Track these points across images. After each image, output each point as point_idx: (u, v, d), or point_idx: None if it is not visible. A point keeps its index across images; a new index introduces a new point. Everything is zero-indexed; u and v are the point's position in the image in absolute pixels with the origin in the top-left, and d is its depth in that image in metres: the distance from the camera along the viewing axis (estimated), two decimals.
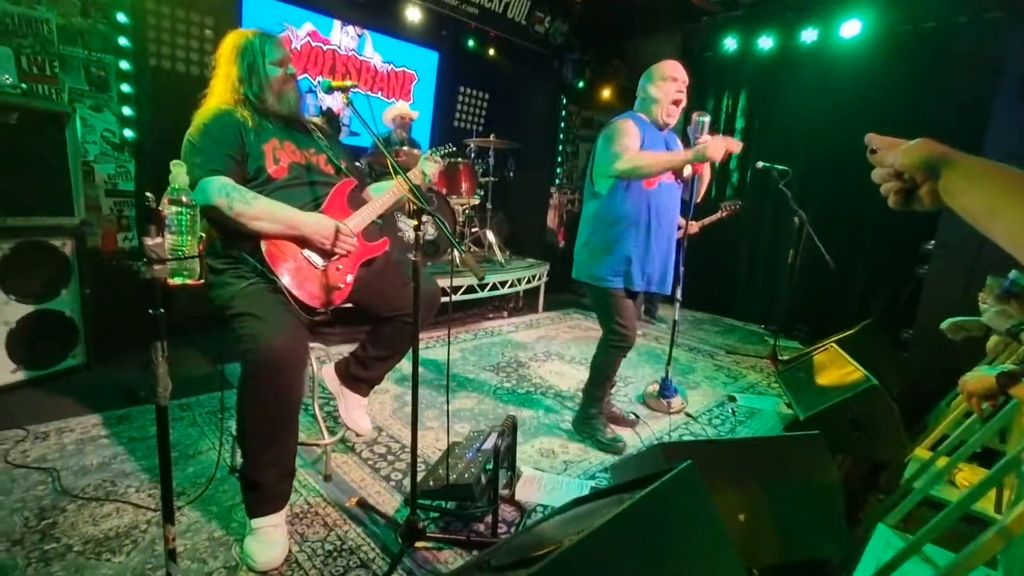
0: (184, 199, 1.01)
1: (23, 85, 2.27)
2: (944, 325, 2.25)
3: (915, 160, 0.62)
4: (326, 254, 1.63)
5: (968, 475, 2.17)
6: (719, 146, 2.02)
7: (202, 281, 1.04)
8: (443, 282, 3.52)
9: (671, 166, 2.10)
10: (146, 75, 3.05)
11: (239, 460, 1.86)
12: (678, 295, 2.65)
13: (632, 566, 0.94)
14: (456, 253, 1.37)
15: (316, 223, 1.58)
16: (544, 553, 0.92)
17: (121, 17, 2.86)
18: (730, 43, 4.74)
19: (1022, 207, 0.52)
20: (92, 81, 2.82)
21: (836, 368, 2.74)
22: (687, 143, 2.23)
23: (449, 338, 1.80)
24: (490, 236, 4.25)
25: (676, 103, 2.17)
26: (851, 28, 4.03)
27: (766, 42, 4.54)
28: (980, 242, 3.46)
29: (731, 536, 1.38)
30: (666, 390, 2.79)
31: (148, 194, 0.96)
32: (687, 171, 2.27)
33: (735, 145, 2.08)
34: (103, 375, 2.52)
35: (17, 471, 1.75)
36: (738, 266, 4.97)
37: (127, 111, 2.93)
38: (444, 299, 3.60)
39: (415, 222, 1.32)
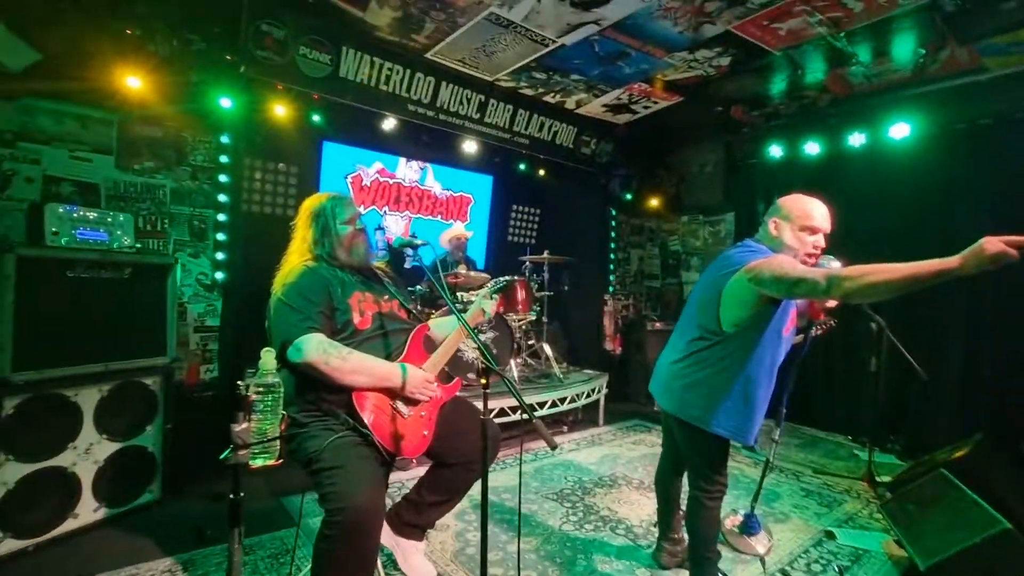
0: (271, 380, 1.07)
1: (138, 244, 2.60)
2: None
3: None
4: (412, 402, 1.67)
5: None
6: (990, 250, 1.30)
7: (280, 462, 1.06)
8: (503, 402, 3.50)
9: (913, 282, 1.38)
10: (239, 221, 3.45)
11: None
12: (776, 435, 2.46)
13: None
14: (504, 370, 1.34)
15: (404, 373, 1.63)
16: None
17: (223, 177, 3.31)
18: (775, 150, 4.83)
19: None
20: (193, 233, 3.21)
21: (953, 501, 2.39)
22: None
23: (520, 493, 1.73)
24: (547, 349, 4.23)
25: (811, 256, 1.86)
26: (900, 131, 4.03)
27: (813, 147, 4.60)
28: None
29: None
30: (751, 527, 2.51)
31: (240, 382, 1.02)
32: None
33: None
34: (174, 510, 2.57)
35: None
36: (812, 372, 4.64)
37: (220, 256, 3.28)
38: (501, 419, 3.53)
39: (484, 380, 1.33)
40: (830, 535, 2.66)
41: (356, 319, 1.70)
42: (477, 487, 1.47)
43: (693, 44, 3.58)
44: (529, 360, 4.35)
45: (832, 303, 1.95)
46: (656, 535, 2.43)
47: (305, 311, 1.59)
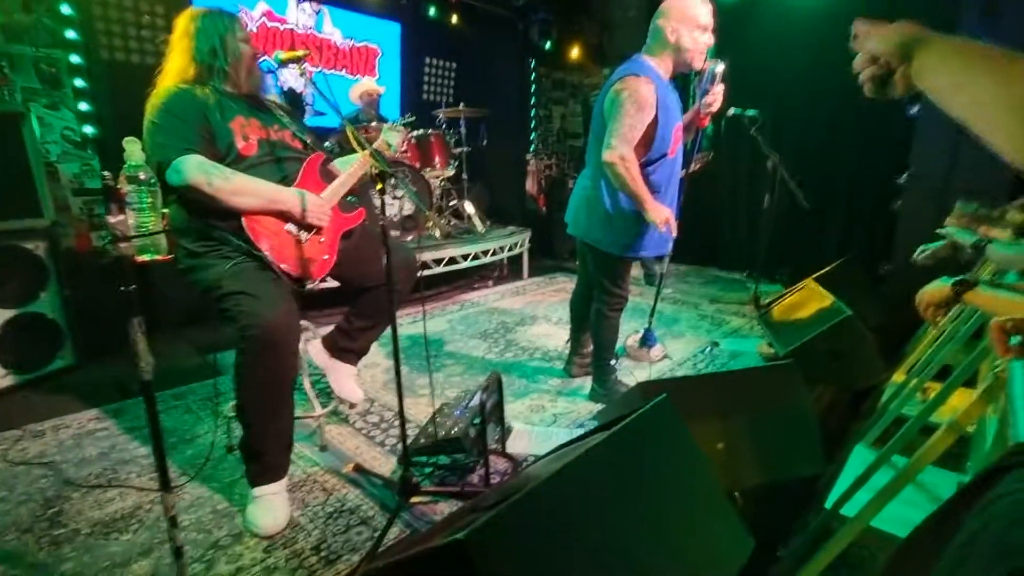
0: (142, 176, 1.02)
1: None
2: (917, 258, 2.33)
3: (891, 44, 0.60)
4: (307, 227, 1.65)
5: (940, 390, 2.27)
6: (661, 215, 1.94)
7: (171, 256, 1.06)
8: (429, 255, 3.57)
9: (636, 201, 1.93)
10: (101, 69, 2.98)
11: (236, 438, 1.92)
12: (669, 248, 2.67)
13: (609, 495, 1.00)
14: (428, 214, 1.38)
15: (296, 196, 1.59)
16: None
17: (66, 9, 2.76)
18: None
19: (983, 78, 0.50)
20: (44, 79, 2.74)
21: (813, 304, 2.82)
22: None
23: (424, 307, 1.84)
24: (468, 207, 4.25)
25: (702, 52, 1.96)
26: None
27: None
28: (949, 172, 3.54)
29: (712, 464, 1.45)
30: (648, 339, 2.86)
31: (105, 172, 0.97)
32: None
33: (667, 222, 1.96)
34: (95, 373, 2.54)
35: (18, 468, 1.79)
36: (719, 215, 5.02)
37: (84, 107, 2.86)
38: (425, 272, 3.61)
39: (379, 185, 1.33)
40: (715, 344, 3.09)
41: (240, 144, 1.60)
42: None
43: None
44: (452, 218, 4.37)
45: (715, 107, 2.05)
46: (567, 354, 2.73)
47: (179, 131, 1.49)
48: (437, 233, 3.58)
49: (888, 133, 3.92)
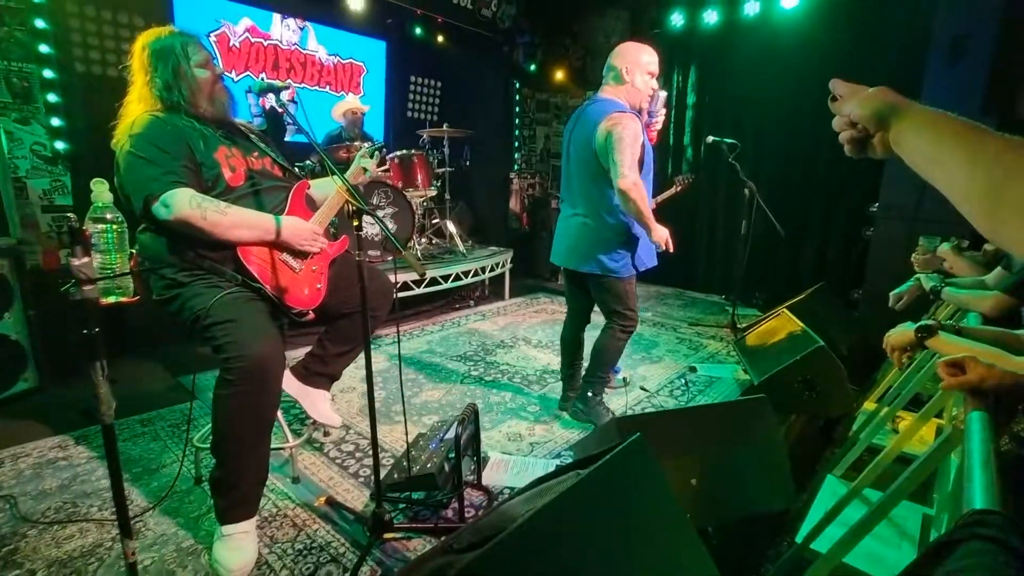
0: (108, 216, 1.00)
1: None
2: (893, 305, 2.40)
3: (868, 111, 0.62)
4: (301, 256, 1.64)
5: (910, 423, 2.32)
6: (663, 235, 2.08)
7: (137, 298, 1.03)
8: (404, 276, 3.54)
9: (640, 222, 2.06)
10: (74, 83, 2.93)
11: (205, 468, 1.87)
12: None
13: (584, 536, 0.99)
14: (407, 247, 1.39)
15: (291, 226, 1.59)
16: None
17: (40, 23, 2.72)
18: (677, 19, 4.79)
19: (955, 153, 0.52)
20: (15, 92, 2.68)
21: (787, 333, 2.87)
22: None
23: (399, 332, 1.82)
24: (451, 227, 4.25)
25: (651, 96, 2.19)
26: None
27: (711, 16, 4.61)
28: (918, 202, 3.66)
29: (685, 499, 1.46)
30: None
31: (71, 214, 0.95)
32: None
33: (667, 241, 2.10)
34: (58, 396, 2.46)
35: None
36: (698, 240, 5.10)
37: (56, 122, 2.80)
38: (406, 292, 3.60)
39: (356, 222, 1.33)
40: (692, 369, 3.12)
41: (227, 174, 1.57)
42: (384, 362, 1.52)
43: None
44: (433, 238, 4.36)
45: (659, 125, 2.28)
46: (546, 379, 2.72)
47: (164, 164, 1.43)
48: (414, 273, 3.55)
49: (861, 162, 4.02)
